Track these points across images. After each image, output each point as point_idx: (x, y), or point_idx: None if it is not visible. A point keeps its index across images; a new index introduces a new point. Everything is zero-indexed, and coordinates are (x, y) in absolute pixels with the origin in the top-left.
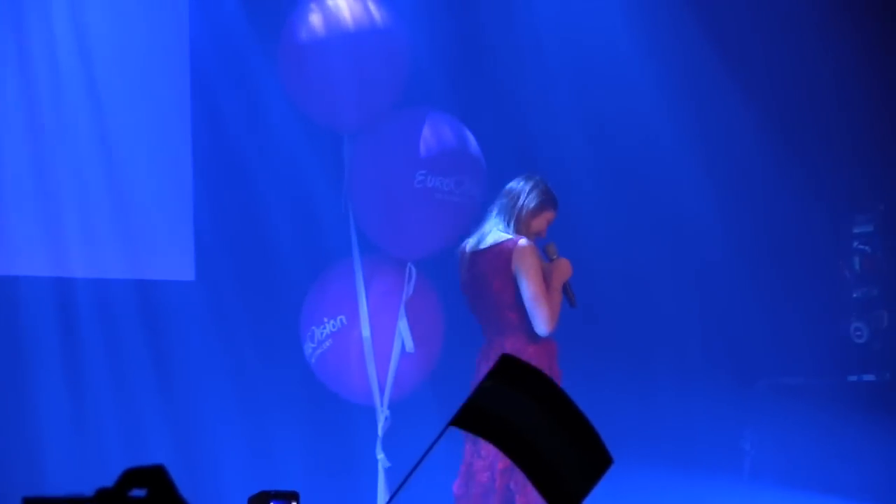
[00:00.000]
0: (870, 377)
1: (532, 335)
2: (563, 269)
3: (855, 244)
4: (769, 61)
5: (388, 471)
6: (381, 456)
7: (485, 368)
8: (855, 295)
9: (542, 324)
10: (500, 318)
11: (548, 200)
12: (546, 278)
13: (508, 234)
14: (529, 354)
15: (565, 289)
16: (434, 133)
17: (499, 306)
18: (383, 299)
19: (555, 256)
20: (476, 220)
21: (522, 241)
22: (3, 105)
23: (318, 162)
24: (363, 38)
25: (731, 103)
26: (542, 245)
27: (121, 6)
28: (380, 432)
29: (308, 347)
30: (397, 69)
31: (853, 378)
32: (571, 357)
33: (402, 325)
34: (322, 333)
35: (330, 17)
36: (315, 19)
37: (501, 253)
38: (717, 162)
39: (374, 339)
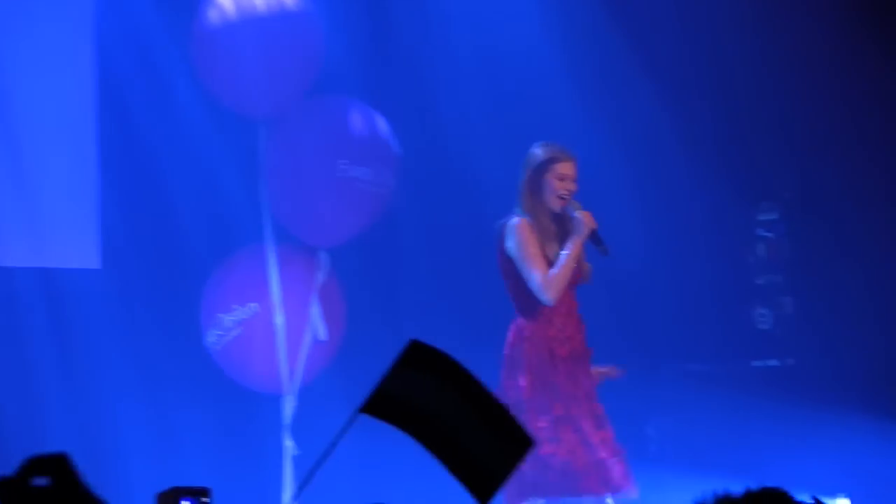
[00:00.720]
0: (774, 362)
1: (527, 312)
2: (577, 225)
3: (759, 231)
4: (676, 49)
5: (296, 458)
6: (289, 444)
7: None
8: (759, 281)
9: (537, 292)
10: (511, 298)
11: (545, 160)
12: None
13: (514, 215)
14: (528, 332)
15: (593, 240)
16: (353, 122)
17: (506, 286)
18: (293, 287)
19: (577, 212)
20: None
21: (514, 220)
22: None
23: (226, 149)
24: (276, 23)
25: (639, 92)
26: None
27: None
28: (287, 420)
29: (212, 335)
30: (311, 56)
31: (757, 363)
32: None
33: (315, 313)
34: (230, 321)
35: (242, 2)
36: (226, 4)
37: (498, 234)
38: (621, 149)
39: (285, 326)
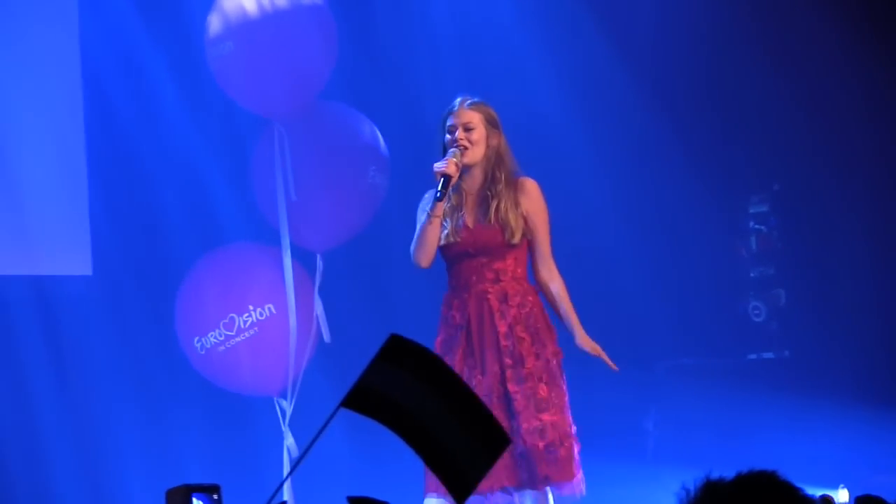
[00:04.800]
0: (769, 355)
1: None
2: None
3: (751, 224)
4: (662, 43)
5: (295, 459)
6: (289, 442)
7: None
8: (752, 274)
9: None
10: None
11: (440, 124)
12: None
13: None
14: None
15: (441, 187)
16: (371, 130)
17: None
18: (297, 289)
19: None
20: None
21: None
22: None
23: (213, 154)
24: (288, 23)
25: (623, 86)
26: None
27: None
28: (287, 419)
29: (218, 335)
30: (325, 55)
31: (753, 356)
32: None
33: (321, 314)
34: (245, 322)
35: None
36: (235, 4)
37: None
38: (610, 144)
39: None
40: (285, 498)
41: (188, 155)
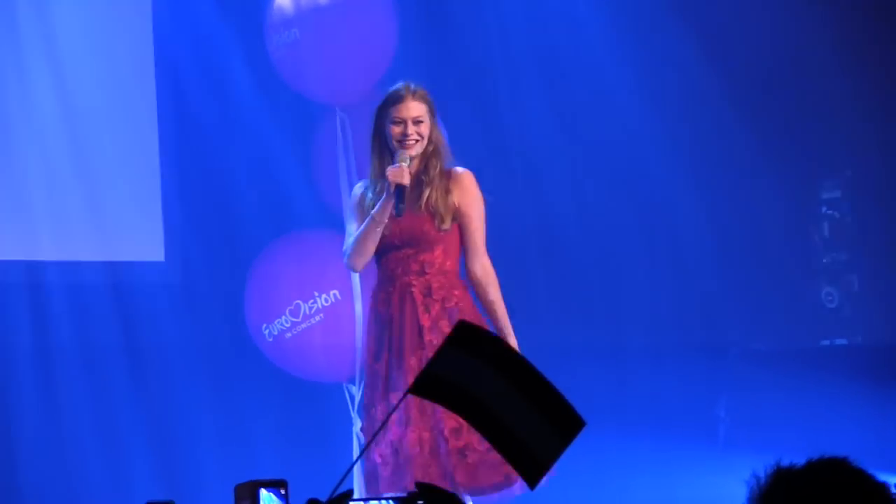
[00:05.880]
0: (842, 341)
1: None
2: (389, 183)
3: (823, 209)
4: (737, 28)
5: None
6: (358, 428)
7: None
8: (825, 260)
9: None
10: None
11: (380, 105)
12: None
13: None
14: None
15: (397, 197)
16: None
17: None
18: (361, 275)
19: (392, 166)
20: None
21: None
22: None
23: (284, 140)
24: (351, 10)
25: (697, 71)
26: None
27: None
28: (356, 406)
29: (284, 322)
30: (386, 43)
31: (825, 343)
32: (545, 335)
33: None
34: (311, 308)
35: None
36: None
37: None
38: (683, 131)
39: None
40: (354, 484)
41: (259, 141)
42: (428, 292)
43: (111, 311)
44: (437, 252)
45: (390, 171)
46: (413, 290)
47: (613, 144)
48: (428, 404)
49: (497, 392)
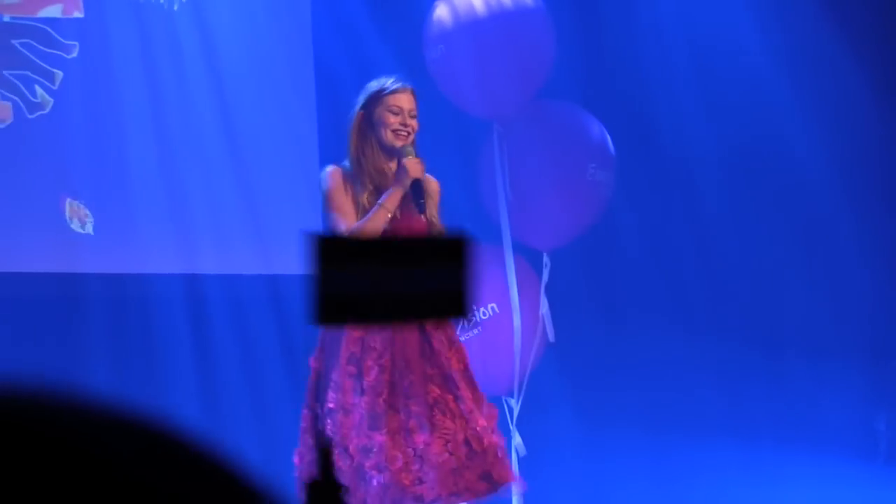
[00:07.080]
0: None
1: None
2: (401, 174)
3: None
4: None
5: (522, 459)
6: (517, 441)
7: None
8: None
9: None
10: None
11: (374, 91)
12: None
13: None
14: None
15: (415, 194)
16: (593, 126)
17: None
18: (521, 288)
19: (406, 158)
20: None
21: (326, 168)
22: (130, 105)
23: (443, 151)
24: (508, 23)
25: (854, 89)
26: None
27: (243, 2)
28: (514, 419)
29: None
30: (543, 56)
31: None
32: (699, 343)
33: (546, 314)
34: (469, 321)
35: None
36: (456, 4)
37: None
38: (839, 136)
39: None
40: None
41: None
42: None
43: (271, 324)
44: None
45: (410, 163)
46: None
47: (770, 150)
48: (448, 406)
49: (384, 279)
